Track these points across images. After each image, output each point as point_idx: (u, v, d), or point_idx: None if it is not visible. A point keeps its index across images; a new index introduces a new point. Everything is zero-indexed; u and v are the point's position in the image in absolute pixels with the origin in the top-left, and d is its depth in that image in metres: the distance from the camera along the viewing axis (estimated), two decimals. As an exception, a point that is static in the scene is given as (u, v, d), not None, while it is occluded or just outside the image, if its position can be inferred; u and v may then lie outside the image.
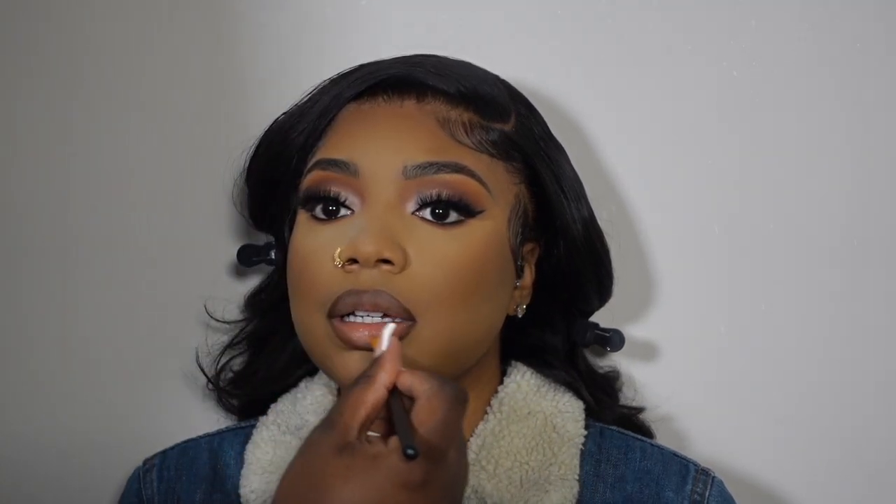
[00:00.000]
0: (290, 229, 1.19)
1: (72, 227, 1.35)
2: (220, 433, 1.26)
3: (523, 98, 1.22)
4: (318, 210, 1.14)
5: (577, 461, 1.18)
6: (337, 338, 1.10)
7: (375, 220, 1.11)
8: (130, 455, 1.28)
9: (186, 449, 1.25)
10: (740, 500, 1.22)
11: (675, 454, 1.21)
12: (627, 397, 1.32)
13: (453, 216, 1.13)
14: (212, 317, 1.31)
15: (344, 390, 1.08)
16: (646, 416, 1.32)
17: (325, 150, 1.16)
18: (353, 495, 0.93)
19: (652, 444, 1.22)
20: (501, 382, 1.21)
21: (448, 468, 0.96)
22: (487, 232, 1.14)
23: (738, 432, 1.36)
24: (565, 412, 1.20)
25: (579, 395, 1.22)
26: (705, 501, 1.19)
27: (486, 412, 1.19)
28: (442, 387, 1.00)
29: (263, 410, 1.24)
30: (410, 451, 0.92)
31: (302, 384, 1.24)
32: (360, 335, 1.09)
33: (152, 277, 1.35)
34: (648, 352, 1.35)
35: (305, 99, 1.20)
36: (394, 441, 0.96)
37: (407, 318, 1.09)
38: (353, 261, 1.10)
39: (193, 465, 1.24)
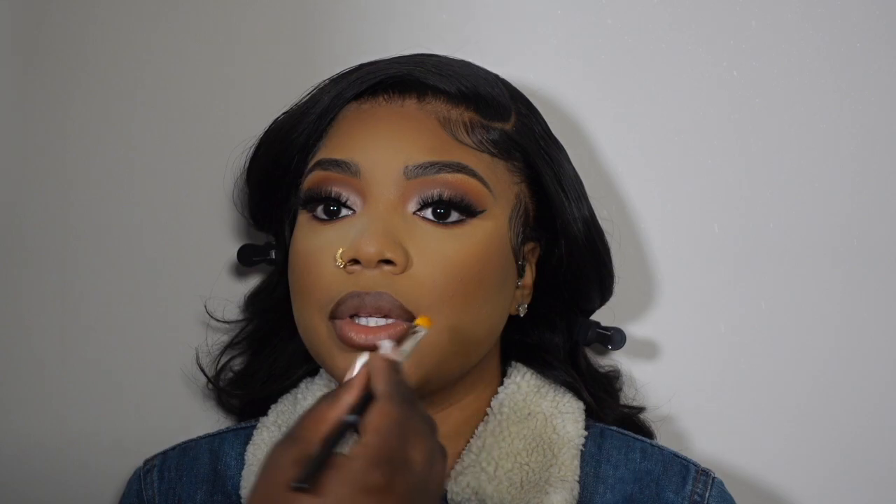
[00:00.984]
0: (291, 229, 1.19)
1: (72, 227, 1.34)
2: (220, 433, 1.25)
3: (523, 97, 1.22)
4: (320, 210, 1.14)
5: (577, 462, 1.17)
6: (339, 339, 1.10)
7: (377, 221, 1.11)
8: (130, 455, 1.28)
9: (187, 449, 1.25)
10: (740, 500, 1.22)
11: (675, 455, 1.21)
12: (628, 397, 1.32)
13: (455, 216, 1.12)
14: (212, 317, 1.31)
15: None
16: (646, 416, 1.31)
17: (326, 151, 1.15)
18: None
19: (652, 445, 1.22)
20: (501, 383, 1.21)
21: (412, 472, 0.94)
22: (489, 231, 1.13)
23: (739, 432, 1.36)
24: (565, 413, 1.20)
25: (579, 396, 1.22)
26: (705, 502, 1.18)
27: (486, 413, 1.19)
28: (396, 388, 0.97)
29: (264, 410, 1.24)
30: (295, 484, 0.91)
31: (302, 384, 1.24)
32: (361, 337, 1.09)
33: (152, 277, 1.35)
34: (649, 351, 1.35)
35: (306, 99, 1.20)
36: (357, 449, 0.94)
37: (409, 320, 1.09)
38: (355, 261, 1.10)
39: (194, 466, 1.23)
